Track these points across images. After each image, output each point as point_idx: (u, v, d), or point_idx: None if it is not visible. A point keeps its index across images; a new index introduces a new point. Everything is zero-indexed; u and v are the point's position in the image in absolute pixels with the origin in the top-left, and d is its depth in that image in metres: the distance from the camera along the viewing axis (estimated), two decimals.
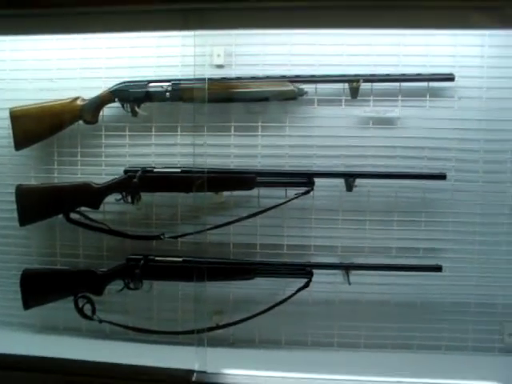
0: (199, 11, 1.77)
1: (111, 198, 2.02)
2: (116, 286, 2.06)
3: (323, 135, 2.01)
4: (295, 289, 1.98)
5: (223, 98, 1.96)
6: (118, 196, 2.01)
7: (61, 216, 2.06)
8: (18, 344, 2.08)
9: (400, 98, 1.97)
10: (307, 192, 1.94)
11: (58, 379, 1.88)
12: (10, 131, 2.05)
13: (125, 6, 1.77)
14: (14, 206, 2.04)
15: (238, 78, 1.97)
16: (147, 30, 1.93)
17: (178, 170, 1.97)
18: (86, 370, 1.88)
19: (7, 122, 2.06)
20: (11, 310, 2.17)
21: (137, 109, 2.00)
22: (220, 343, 2.06)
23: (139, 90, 1.98)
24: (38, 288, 2.08)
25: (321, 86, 1.99)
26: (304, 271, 1.98)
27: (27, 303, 2.07)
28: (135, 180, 1.95)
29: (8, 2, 1.81)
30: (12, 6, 1.82)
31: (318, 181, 1.95)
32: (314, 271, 1.98)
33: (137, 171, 1.97)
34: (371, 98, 1.98)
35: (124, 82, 1.99)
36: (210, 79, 1.93)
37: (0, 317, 2.21)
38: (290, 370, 1.84)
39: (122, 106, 2.01)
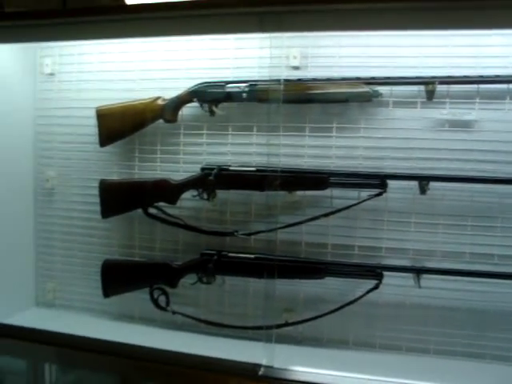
0: (276, 14, 1.81)
1: (188, 195, 2.11)
2: (190, 279, 2.14)
3: (398, 137, 2.00)
4: (365, 290, 1.98)
5: (299, 99, 2.00)
6: (195, 192, 2.09)
7: (140, 210, 2.17)
8: (97, 329, 2.19)
9: (478, 100, 1.93)
10: (380, 194, 1.94)
11: (130, 364, 1.99)
12: (96, 129, 2.17)
13: (207, 9, 1.84)
14: (98, 200, 2.16)
15: (314, 80, 2.00)
16: (225, 33, 1.98)
17: (253, 168, 2.03)
18: (157, 358, 1.96)
19: (93, 121, 2.18)
20: (93, 297, 2.30)
21: (215, 108, 2.07)
22: (288, 340, 2.09)
23: (217, 91, 2.05)
24: (117, 278, 2.19)
25: (396, 88, 1.99)
26: (374, 273, 1.98)
27: (107, 292, 2.19)
28: (211, 177, 2.02)
29: (99, 9, 1.94)
30: (100, 12, 1.95)
31: (391, 183, 1.94)
32: (385, 273, 1.97)
33: (213, 169, 2.04)
34: (447, 100, 1.95)
35: (203, 83, 2.06)
36: (285, 80, 1.97)
37: (83, 303, 2.35)
38: (357, 370, 1.84)
39: (201, 106, 2.09)
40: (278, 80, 1.96)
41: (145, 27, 1.96)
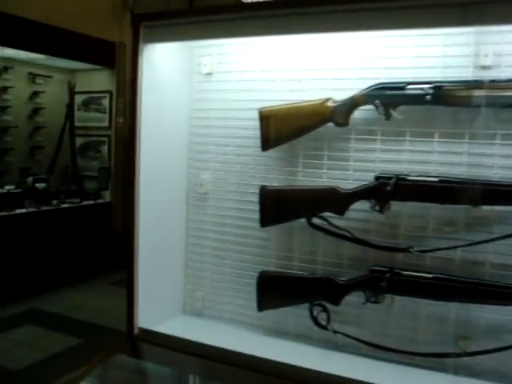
0: (479, 5, 1.60)
1: (355, 205, 1.94)
2: (353, 297, 1.97)
3: None
4: None
5: (493, 102, 1.77)
6: (366, 203, 1.91)
7: (301, 220, 2.02)
8: (247, 343, 2.07)
9: None
10: None
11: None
12: (256, 132, 2.04)
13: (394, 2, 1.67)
14: (256, 207, 2.03)
15: (510, 81, 1.77)
16: (421, 27, 1.79)
17: (436, 179, 1.82)
18: (311, 379, 1.82)
19: (253, 123, 2.06)
20: (244, 309, 2.18)
21: (392, 112, 1.88)
22: (464, 371, 1.87)
23: (396, 93, 1.86)
24: (273, 291, 2.05)
25: None
26: None
27: (261, 305, 2.06)
28: (389, 187, 1.84)
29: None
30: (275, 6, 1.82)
31: None
32: None
33: (390, 178, 1.85)
34: None
35: (380, 84, 1.88)
36: (477, 81, 1.76)
37: (233, 315, 2.23)
38: None
39: (376, 109, 1.90)
40: (468, 81, 1.76)
41: (312, 22, 1.81)
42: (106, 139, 5.60)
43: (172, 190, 2.20)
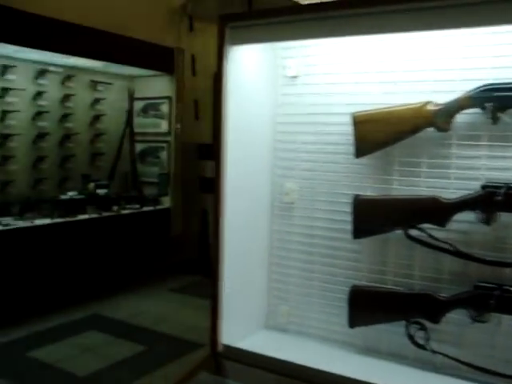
0: None
1: (456, 216, 1.79)
2: (455, 314, 1.83)
3: None
4: None
5: None
6: (471, 214, 1.77)
7: (396, 231, 1.89)
8: (335, 361, 1.95)
9: None
10: None
11: None
12: (347, 137, 1.93)
13: None
14: (347, 217, 1.91)
15: None
16: None
17: None
18: None
19: (344, 128, 1.94)
20: (333, 325, 2.06)
21: (501, 115, 1.73)
22: None
23: (507, 94, 1.71)
24: (366, 307, 1.93)
25: None
26: None
27: (353, 321, 1.94)
28: (498, 197, 1.69)
29: None
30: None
31: None
32: None
33: (499, 187, 1.70)
34: None
35: (489, 85, 1.74)
36: None
37: (320, 331, 2.11)
38: None
39: (484, 112, 1.76)
40: None
41: (406, 19, 1.69)
42: (165, 145, 5.58)
43: (256, 200, 2.11)
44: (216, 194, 1.86)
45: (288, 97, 2.12)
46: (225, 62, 1.88)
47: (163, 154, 5.60)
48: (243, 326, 2.09)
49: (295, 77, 2.11)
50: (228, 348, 1.96)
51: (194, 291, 5.01)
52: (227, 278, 1.95)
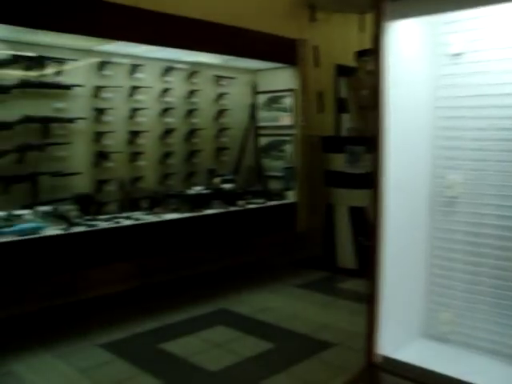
0: None
1: None
2: None
3: None
4: None
5: None
6: None
7: None
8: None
9: None
10: None
11: None
12: None
13: None
14: None
15: None
16: None
17: None
18: None
19: None
20: (506, 337, 1.80)
21: None
22: None
23: None
24: None
25: None
26: None
27: None
28: None
29: None
30: None
31: None
32: None
33: None
34: None
35: None
36: None
37: (491, 344, 1.86)
38: None
39: None
40: None
41: None
42: (289, 138, 5.46)
43: (414, 194, 1.90)
44: (375, 189, 1.67)
45: (450, 77, 1.88)
46: (382, 41, 1.68)
47: (287, 148, 5.49)
48: (400, 333, 1.89)
49: (459, 54, 1.86)
50: (386, 359, 1.76)
51: (320, 288, 4.90)
52: (385, 281, 1.76)
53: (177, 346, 3.50)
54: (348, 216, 5.40)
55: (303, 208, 5.25)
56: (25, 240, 3.42)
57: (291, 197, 5.29)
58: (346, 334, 3.71)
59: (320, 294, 4.71)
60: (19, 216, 3.64)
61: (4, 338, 3.59)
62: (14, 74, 3.92)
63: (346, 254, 5.42)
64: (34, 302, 4.05)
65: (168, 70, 4.93)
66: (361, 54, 5.80)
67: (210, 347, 3.52)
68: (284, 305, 4.42)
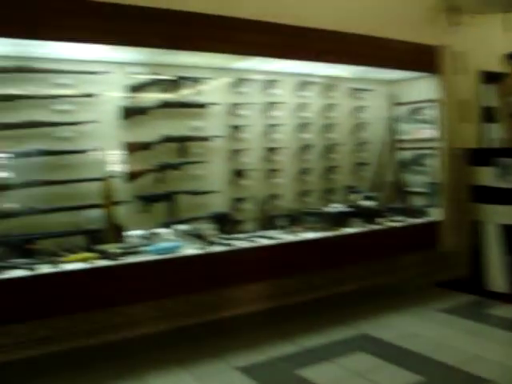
0: None
1: None
2: None
3: None
4: None
5: None
6: None
7: None
8: None
9: None
10: None
11: None
12: None
13: None
14: None
15: None
16: None
17: None
18: None
19: None
20: None
21: None
22: None
23: None
24: None
25: None
26: None
27: None
28: None
29: None
30: None
31: None
32: None
33: None
34: None
35: None
36: None
37: None
38: None
39: None
40: None
41: None
42: (431, 151, 5.11)
43: None
44: None
45: None
46: None
47: (430, 162, 5.14)
48: None
49: None
50: None
51: (468, 313, 4.47)
52: None
53: (315, 374, 3.32)
54: (498, 234, 4.92)
55: (448, 226, 4.87)
56: (164, 260, 3.46)
57: (435, 214, 4.94)
58: (500, 368, 3.34)
59: (468, 321, 4.29)
60: (158, 234, 3.72)
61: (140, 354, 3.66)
62: (153, 95, 4.05)
63: (497, 276, 4.94)
64: (171, 319, 4.10)
65: (303, 85, 4.86)
66: (511, 57, 5.32)
67: (351, 376, 3.30)
68: (428, 331, 4.08)
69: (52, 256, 3.33)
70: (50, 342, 3.59)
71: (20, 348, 3.50)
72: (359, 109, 5.22)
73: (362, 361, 3.54)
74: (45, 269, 3.18)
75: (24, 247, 3.36)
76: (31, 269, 3.13)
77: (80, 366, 3.47)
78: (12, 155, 3.50)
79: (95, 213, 3.67)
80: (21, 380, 3.30)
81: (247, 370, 3.38)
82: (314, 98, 4.95)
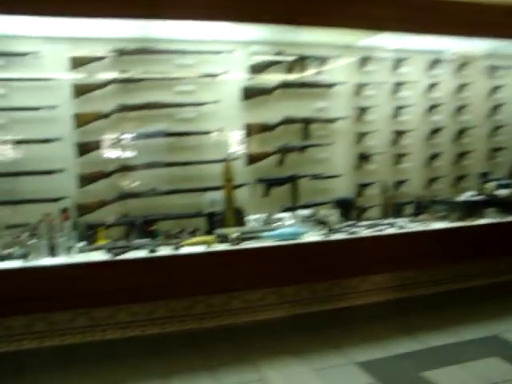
0: None
1: None
2: None
3: None
4: None
5: None
6: None
7: None
8: None
9: None
10: None
11: None
12: None
13: None
14: None
15: None
16: None
17: None
18: None
19: None
20: None
21: None
22: None
23: None
24: None
25: None
26: None
27: None
28: None
29: None
30: None
31: None
32: None
33: None
34: None
35: None
36: None
37: None
38: None
39: None
40: None
41: None
42: None
43: None
44: None
45: None
46: None
47: None
48: None
49: None
50: None
51: None
52: None
53: (442, 377, 3.01)
54: None
55: None
56: (285, 246, 3.35)
57: None
58: None
59: None
60: (279, 219, 3.61)
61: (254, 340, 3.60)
62: (275, 75, 3.93)
63: None
64: (289, 307, 4.00)
65: (435, 63, 4.52)
66: None
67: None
68: None
69: (172, 238, 3.33)
70: (169, 322, 3.63)
71: (139, 326, 3.58)
72: (497, 89, 4.77)
73: (496, 367, 3.17)
74: (165, 251, 3.18)
75: (145, 228, 3.40)
76: (153, 250, 3.14)
77: (197, 346, 3.47)
78: (135, 136, 3.54)
79: (215, 195, 3.63)
80: (148, 354, 3.36)
81: (368, 367, 3.18)
82: (446, 77, 4.59)
